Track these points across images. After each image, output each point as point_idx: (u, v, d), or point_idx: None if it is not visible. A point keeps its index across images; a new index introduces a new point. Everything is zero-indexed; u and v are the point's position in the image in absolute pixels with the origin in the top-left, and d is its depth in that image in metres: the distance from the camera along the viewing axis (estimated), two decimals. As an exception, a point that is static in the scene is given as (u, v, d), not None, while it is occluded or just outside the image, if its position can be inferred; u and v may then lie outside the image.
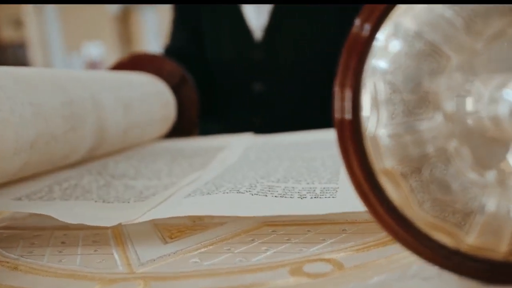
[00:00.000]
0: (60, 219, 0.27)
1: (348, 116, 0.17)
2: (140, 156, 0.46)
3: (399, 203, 0.17)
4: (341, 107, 0.17)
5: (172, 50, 0.82)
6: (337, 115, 0.17)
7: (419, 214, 0.17)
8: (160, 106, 0.54)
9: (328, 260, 0.22)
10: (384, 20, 0.16)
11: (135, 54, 0.61)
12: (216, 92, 0.82)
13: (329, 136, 0.50)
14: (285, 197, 0.28)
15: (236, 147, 0.48)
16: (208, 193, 0.30)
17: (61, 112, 0.35)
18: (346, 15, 0.78)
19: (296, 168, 0.35)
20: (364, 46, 0.17)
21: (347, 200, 0.27)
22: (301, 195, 0.28)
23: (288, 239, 0.25)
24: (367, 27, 0.17)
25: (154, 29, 6.06)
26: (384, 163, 0.17)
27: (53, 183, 0.35)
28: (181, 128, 0.61)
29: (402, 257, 0.22)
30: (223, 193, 0.29)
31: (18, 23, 6.47)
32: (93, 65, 6.62)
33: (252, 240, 0.26)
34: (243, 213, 0.26)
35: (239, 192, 0.29)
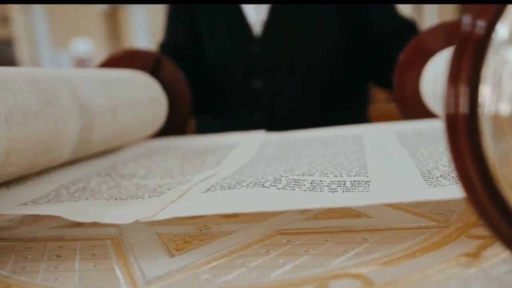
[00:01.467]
0: (70, 218, 0.25)
1: (464, 110, 0.15)
2: (148, 155, 0.44)
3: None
4: (454, 102, 0.15)
5: (167, 46, 0.79)
6: (449, 110, 0.15)
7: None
8: (145, 86, 0.52)
9: (355, 276, 0.20)
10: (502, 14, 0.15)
11: (111, 56, 0.59)
12: (215, 89, 0.80)
13: (345, 132, 0.48)
14: (315, 190, 0.26)
15: (250, 145, 0.45)
16: (230, 188, 0.28)
17: (27, 88, 0.32)
18: (345, 13, 0.77)
19: (319, 163, 0.33)
20: (480, 41, 0.15)
21: (384, 192, 0.25)
22: (331, 189, 0.26)
23: (306, 251, 0.23)
24: (482, 23, 0.15)
25: (143, 26, 5.99)
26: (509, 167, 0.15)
27: (60, 187, 0.33)
28: (173, 124, 0.58)
29: (436, 271, 0.20)
30: (246, 187, 0.27)
31: (4, 20, 6.37)
32: (81, 62, 6.53)
33: (267, 251, 0.23)
34: (273, 207, 0.24)
35: (264, 187, 0.27)
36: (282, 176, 0.29)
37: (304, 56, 0.74)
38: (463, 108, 0.15)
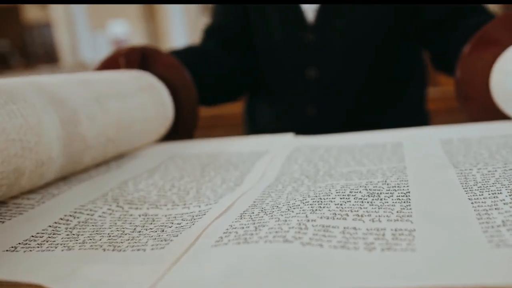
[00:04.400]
0: (53, 287, 0.21)
1: None
2: (163, 169, 0.39)
3: None
4: None
5: (213, 29, 0.75)
6: None
7: None
8: (132, 77, 0.48)
9: None
10: None
11: (99, 65, 0.54)
12: (266, 78, 0.75)
13: (383, 139, 0.42)
14: (347, 247, 0.21)
15: (277, 155, 0.40)
16: (245, 239, 0.23)
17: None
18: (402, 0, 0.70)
19: (354, 191, 0.28)
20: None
21: (433, 259, 0.19)
22: (367, 244, 0.21)
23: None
24: None
25: (178, 6, 5.97)
26: None
27: (59, 221, 0.29)
28: (182, 116, 0.53)
29: None
30: (265, 241, 0.22)
31: (43, 4, 6.48)
32: (118, 43, 6.60)
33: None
34: (296, 284, 0.19)
35: (286, 240, 0.22)
36: (308, 218, 0.24)
37: (359, 43, 0.69)
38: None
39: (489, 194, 0.25)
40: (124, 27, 6.76)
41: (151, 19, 6.52)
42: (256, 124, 0.81)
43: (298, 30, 0.70)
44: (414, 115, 0.76)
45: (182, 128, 0.54)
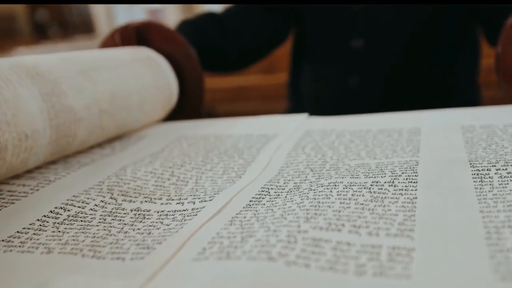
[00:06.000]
0: None
1: None
2: (167, 155, 0.38)
3: None
4: None
5: None
6: None
7: None
8: (123, 49, 0.46)
9: None
10: None
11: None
12: (308, 47, 0.74)
13: (401, 122, 0.38)
14: (335, 269, 0.18)
15: (286, 141, 0.38)
16: (228, 254, 0.21)
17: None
18: None
19: (356, 192, 0.25)
20: None
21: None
22: (358, 266, 0.18)
23: None
24: None
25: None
26: None
27: (49, 214, 0.28)
28: (184, 104, 0.51)
29: None
30: (247, 258, 0.20)
31: (80, -27, 6.50)
32: (154, 13, 6.59)
33: None
34: None
35: (270, 258, 0.20)
36: (299, 228, 0.22)
37: (407, 14, 0.65)
38: None
39: (503, 206, 0.22)
40: (159, -4, 6.72)
41: (185, -13, 6.46)
42: (299, 96, 0.79)
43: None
44: (465, 87, 0.72)
45: (187, 104, 0.52)
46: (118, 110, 0.41)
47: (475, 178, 0.25)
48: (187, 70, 0.50)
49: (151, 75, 0.45)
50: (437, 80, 0.69)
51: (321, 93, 0.75)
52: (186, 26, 0.62)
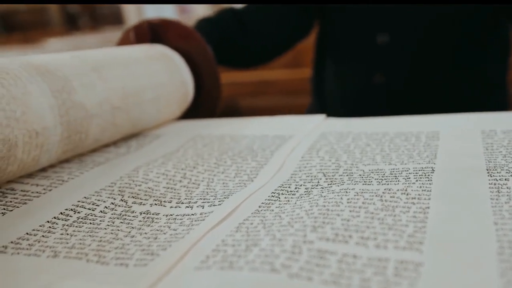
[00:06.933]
0: None
1: None
2: (181, 155, 0.37)
3: None
4: None
5: None
6: None
7: None
8: (137, 47, 0.46)
9: None
10: None
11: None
12: (333, 43, 0.72)
13: (420, 126, 0.37)
14: (338, 284, 0.18)
15: (302, 143, 0.37)
16: (231, 263, 0.20)
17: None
18: None
19: (367, 200, 0.25)
20: None
21: None
22: (362, 280, 0.18)
23: None
24: None
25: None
26: None
27: (59, 216, 0.28)
28: (201, 103, 0.51)
29: None
30: (250, 269, 0.19)
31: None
32: (183, 9, 6.61)
33: None
34: None
35: (273, 270, 0.19)
36: (305, 238, 0.21)
37: (435, 10, 0.63)
38: None
39: None
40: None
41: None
42: (322, 92, 0.78)
43: None
44: (493, 86, 0.69)
45: (204, 102, 0.51)
46: (131, 107, 0.41)
47: (492, 188, 0.24)
48: (204, 68, 0.49)
49: (165, 72, 0.45)
50: (464, 78, 0.66)
51: (344, 90, 0.73)
52: (204, 23, 0.61)
